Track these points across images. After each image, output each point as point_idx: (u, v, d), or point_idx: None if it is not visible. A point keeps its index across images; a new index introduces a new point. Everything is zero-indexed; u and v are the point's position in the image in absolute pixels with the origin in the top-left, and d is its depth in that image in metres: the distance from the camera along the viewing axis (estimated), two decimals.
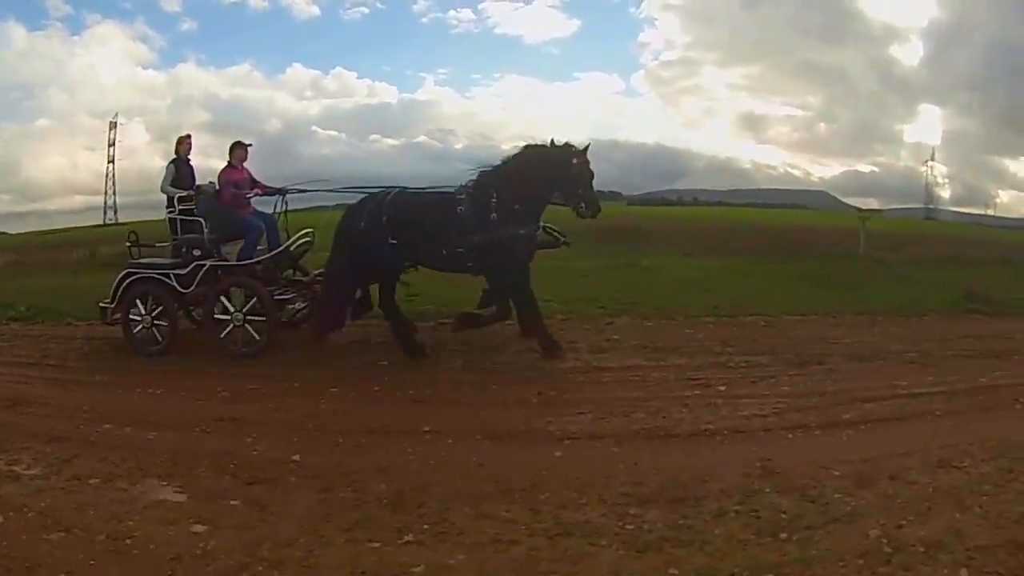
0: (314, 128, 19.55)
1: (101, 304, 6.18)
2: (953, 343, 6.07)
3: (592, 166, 5.49)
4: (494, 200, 5.35)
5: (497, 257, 5.34)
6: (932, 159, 17.51)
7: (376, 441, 4.02)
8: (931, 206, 17.81)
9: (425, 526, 2.99)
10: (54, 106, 18.03)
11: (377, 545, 2.85)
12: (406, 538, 2.90)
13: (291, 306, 6.02)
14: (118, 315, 6.07)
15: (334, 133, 19.59)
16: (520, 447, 3.90)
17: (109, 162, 17.16)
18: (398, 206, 5.49)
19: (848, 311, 7.13)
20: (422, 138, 19.46)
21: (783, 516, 2.99)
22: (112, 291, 6.07)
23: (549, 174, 5.41)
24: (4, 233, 16.48)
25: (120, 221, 16.29)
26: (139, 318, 5.99)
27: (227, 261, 5.96)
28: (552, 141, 5.49)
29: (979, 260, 10.67)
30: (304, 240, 6.24)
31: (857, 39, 18.32)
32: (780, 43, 18.39)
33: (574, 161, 5.40)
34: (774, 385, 4.89)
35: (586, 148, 5.47)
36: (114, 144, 17.17)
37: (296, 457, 3.78)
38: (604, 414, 4.32)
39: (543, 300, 5.85)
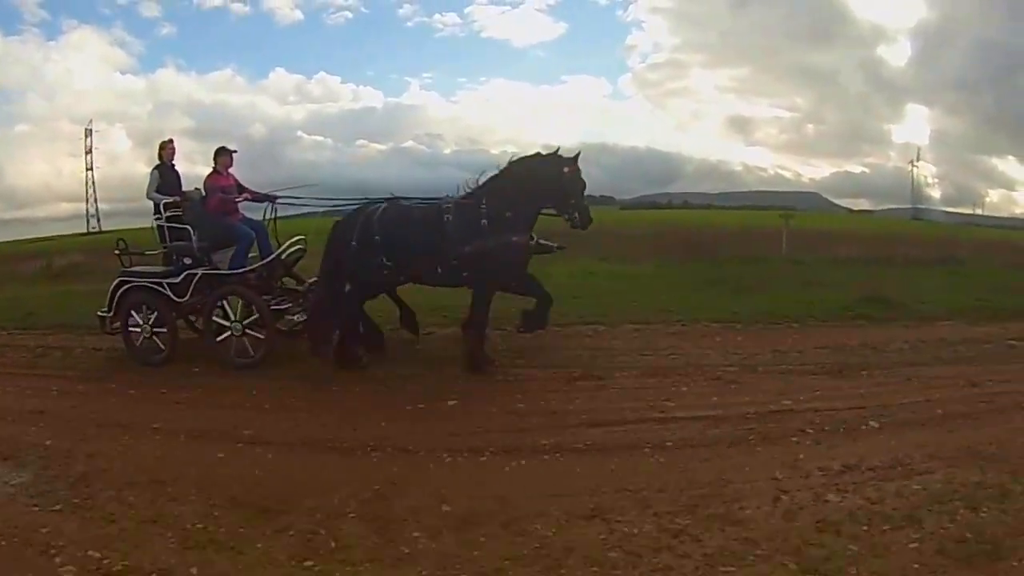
0: (299, 133, 19.02)
1: (99, 313, 6.20)
2: (801, 355, 5.69)
3: (583, 173, 5.42)
4: (483, 207, 5.31)
5: (490, 265, 5.33)
6: (917, 160, 17.39)
7: None
8: (918, 206, 17.81)
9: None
10: (32, 112, 17.48)
11: None
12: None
13: (289, 316, 6.03)
14: (117, 324, 6.13)
15: (320, 138, 19.11)
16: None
17: (88, 170, 16.77)
18: (390, 223, 5.42)
19: (736, 317, 6.86)
20: (409, 143, 19.04)
21: None
22: (108, 300, 6.10)
23: (540, 186, 5.34)
24: None
25: (104, 229, 16.05)
26: (139, 328, 6.04)
27: (219, 270, 5.95)
28: (539, 152, 5.43)
29: (914, 259, 10.60)
30: (296, 247, 6.21)
31: (845, 40, 17.91)
32: (768, 45, 18.01)
33: (565, 170, 5.32)
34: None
35: (576, 156, 5.38)
36: (91, 151, 16.74)
37: None
38: None
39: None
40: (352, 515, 3.29)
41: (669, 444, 3.97)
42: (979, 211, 17.65)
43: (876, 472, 3.54)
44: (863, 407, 4.45)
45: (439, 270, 5.39)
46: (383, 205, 5.54)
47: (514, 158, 5.46)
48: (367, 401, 4.95)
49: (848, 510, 3.15)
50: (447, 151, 18.31)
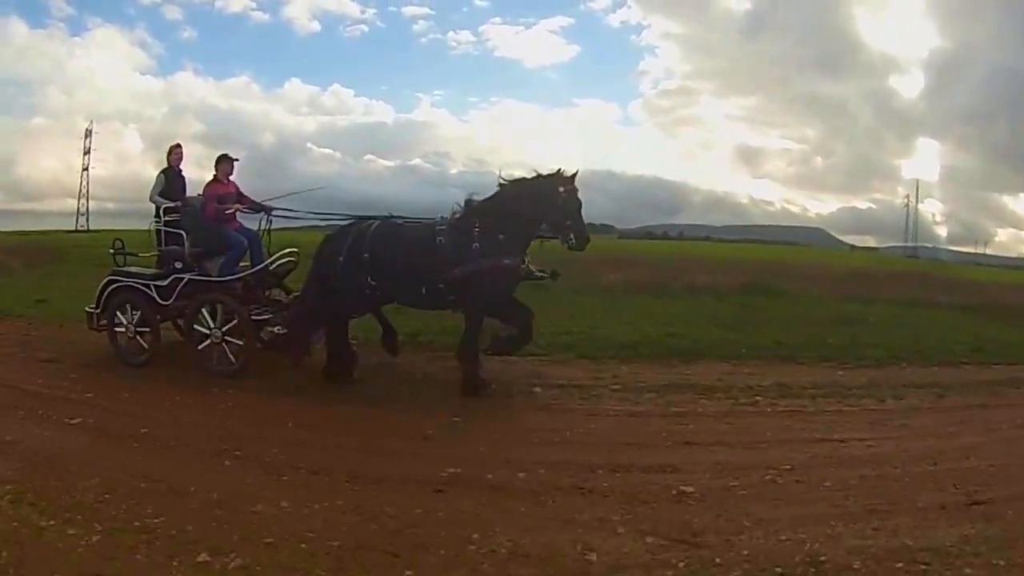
0: (309, 145, 19.44)
1: (87, 309, 6.24)
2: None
3: (586, 197, 5.31)
4: (477, 230, 5.19)
5: (479, 289, 5.18)
6: (918, 197, 16.95)
7: None
8: (917, 244, 17.30)
9: None
10: (51, 105, 18.21)
11: None
12: None
13: (269, 328, 5.96)
14: (104, 322, 6.15)
15: (328, 151, 19.53)
16: None
17: (84, 170, 17.29)
18: (379, 241, 5.33)
19: None
20: (417, 161, 19.32)
21: None
22: (96, 296, 6.14)
23: (536, 207, 5.22)
24: None
25: (92, 228, 16.42)
26: (123, 327, 6.05)
27: (207, 276, 5.93)
28: (537, 173, 5.31)
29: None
30: (286, 260, 6.17)
31: (856, 70, 17.78)
32: (778, 74, 18.00)
33: (561, 190, 5.19)
34: None
35: (574, 175, 5.25)
36: (89, 152, 17.28)
37: None
38: None
39: None
40: None
41: None
42: (987, 250, 17.00)
43: None
44: None
45: (424, 292, 5.24)
46: (375, 223, 5.47)
47: (506, 179, 5.35)
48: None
49: None
50: (454, 171, 18.52)
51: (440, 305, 5.41)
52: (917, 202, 17.31)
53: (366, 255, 5.28)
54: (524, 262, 5.34)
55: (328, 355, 5.59)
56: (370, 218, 5.57)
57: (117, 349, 6.10)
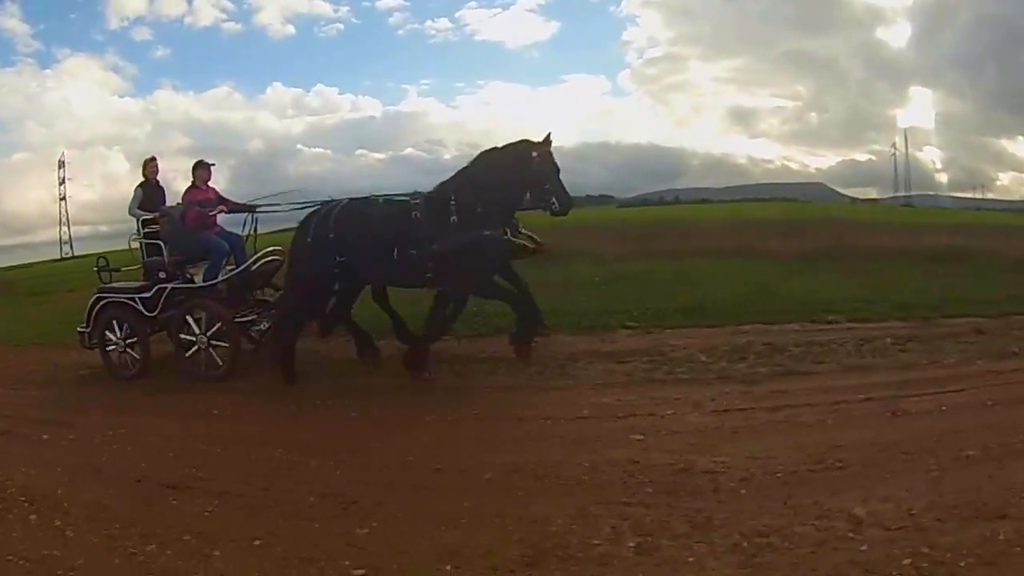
0: (299, 146, 19.52)
1: (79, 328, 6.22)
2: None
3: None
4: (453, 204, 5.04)
5: (462, 263, 5.02)
6: (896, 147, 16.71)
7: None
8: (911, 193, 17.03)
9: None
10: (31, 139, 18.48)
11: None
12: None
13: (255, 328, 5.90)
14: (95, 340, 6.12)
15: (320, 150, 19.54)
16: None
17: (61, 199, 17.51)
18: (346, 219, 5.21)
19: None
20: (409, 150, 19.27)
21: None
22: (86, 315, 6.12)
23: (511, 175, 5.06)
24: None
25: (78, 254, 16.61)
26: (113, 344, 6.02)
27: (191, 283, 5.89)
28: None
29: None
30: (270, 259, 6.08)
31: (842, 24, 17.62)
32: (763, 33, 17.87)
33: (534, 155, 5.03)
34: None
35: (547, 139, 5.08)
36: (64, 182, 17.51)
37: None
38: None
39: None
40: None
41: None
42: (989, 195, 16.61)
43: None
44: None
45: (399, 268, 5.09)
46: (344, 201, 5.37)
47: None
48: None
49: None
50: (448, 156, 18.33)
51: (417, 281, 5.25)
52: (907, 151, 17.02)
53: (331, 235, 5.17)
54: (507, 234, 5.14)
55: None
56: (336, 200, 5.46)
57: (109, 365, 6.06)
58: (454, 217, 5.01)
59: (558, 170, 5.12)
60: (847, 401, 4.26)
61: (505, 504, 3.18)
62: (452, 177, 5.23)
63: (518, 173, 5.05)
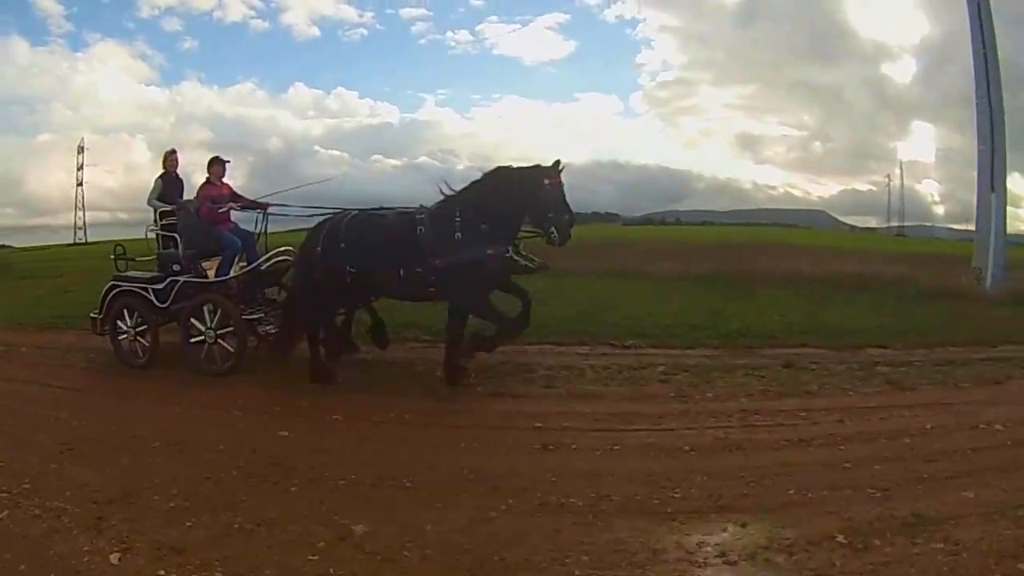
0: (316, 148, 19.73)
1: (91, 315, 6.36)
2: None
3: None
4: (458, 219, 5.06)
5: (462, 280, 5.05)
6: (891, 178, 17.03)
7: None
8: (898, 224, 17.43)
9: None
10: (56, 121, 18.81)
11: None
12: None
13: (262, 327, 5.98)
14: (107, 326, 6.25)
15: (336, 153, 19.75)
16: None
17: (78, 185, 17.77)
18: (357, 229, 5.28)
19: None
20: (423, 159, 19.45)
21: None
22: (99, 302, 6.25)
23: (518, 199, 5.05)
24: (7, 247, 17.04)
25: (91, 240, 16.86)
26: (124, 331, 6.15)
27: (203, 277, 5.99)
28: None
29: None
30: (280, 259, 6.15)
31: (850, 57, 17.85)
32: (773, 62, 18.07)
33: (545, 182, 5.00)
34: None
35: (557, 166, 5.07)
36: (83, 167, 17.76)
37: None
38: None
39: None
40: None
41: None
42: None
43: None
44: None
45: (404, 281, 5.14)
46: (355, 212, 5.42)
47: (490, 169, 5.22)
48: None
49: None
50: (460, 167, 18.54)
51: (420, 294, 5.30)
52: (904, 183, 17.34)
53: (343, 244, 5.23)
54: (509, 251, 5.13)
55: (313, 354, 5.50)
56: (346, 210, 5.52)
57: (119, 352, 6.20)
58: (458, 233, 5.03)
59: (564, 197, 5.08)
60: (510, 428, 4.34)
61: None
62: (459, 192, 5.24)
63: (525, 197, 5.03)
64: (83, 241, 17.80)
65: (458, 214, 5.06)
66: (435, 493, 3.42)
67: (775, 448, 4.00)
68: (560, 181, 5.06)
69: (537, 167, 5.09)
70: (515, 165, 5.21)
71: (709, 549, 2.88)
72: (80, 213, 17.99)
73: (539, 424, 4.36)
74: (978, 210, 10.94)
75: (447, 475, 3.65)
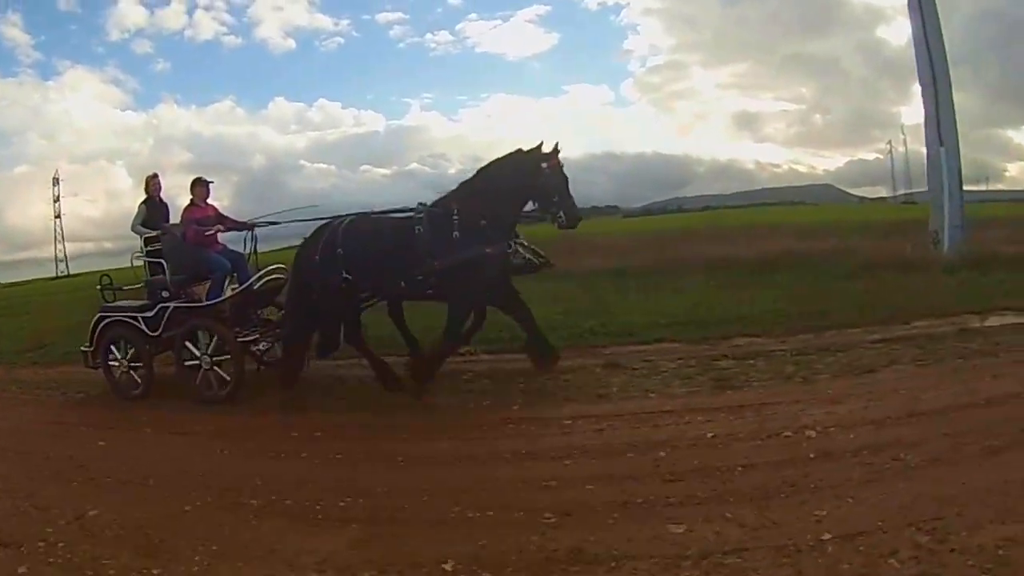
0: (302, 162, 19.48)
1: (83, 348, 6.19)
2: None
3: (589, 179, 5.37)
4: (455, 218, 4.91)
5: (461, 280, 4.92)
6: (892, 144, 16.74)
7: None
8: (905, 191, 17.02)
9: None
10: (33, 152, 18.49)
11: None
12: None
13: (256, 348, 5.82)
14: (98, 359, 6.07)
15: (323, 166, 19.60)
16: None
17: (56, 217, 17.48)
18: (354, 235, 5.17)
19: None
20: (414, 165, 19.36)
21: None
22: (89, 334, 6.08)
23: (518, 184, 4.92)
24: None
25: (73, 273, 16.55)
26: (116, 363, 5.98)
27: (193, 302, 5.82)
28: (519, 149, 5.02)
29: None
30: (272, 277, 5.98)
31: (842, 25, 17.58)
32: (764, 37, 17.91)
33: (544, 165, 4.87)
34: None
35: (556, 149, 4.92)
36: (59, 199, 17.50)
37: None
38: None
39: None
40: None
41: None
42: (999, 186, 16.48)
43: None
44: None
45: (402, 284, 5.03)
46: (350, 217, 5.31)
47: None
48: None
49: None
50: (452, 171, 18.55)
51: (419, 295, 5.18)
52: (908, 148, 17.05)
53: (340, 250, 5.12)
54: (511, 247, 5.03)
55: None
56: (342, 216, 5.40)
57: (113, 385, 6.02)
58: (456, 232, 4.90)
59: (567, 181, 4.98)
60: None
61: None
62: (456, 189, 5.13)
63: (525, 183, 4.91)
64: (65, 274, 17.52)
65: (456, 211, 4.93)
66: None
67: (483, 462, 3.61)
68: (559, 163, 4.92)
69: (533, 151, 4.93)
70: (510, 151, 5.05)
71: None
72: (60, 245, 17.73)
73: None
74: (928, 168, 10.08)
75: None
